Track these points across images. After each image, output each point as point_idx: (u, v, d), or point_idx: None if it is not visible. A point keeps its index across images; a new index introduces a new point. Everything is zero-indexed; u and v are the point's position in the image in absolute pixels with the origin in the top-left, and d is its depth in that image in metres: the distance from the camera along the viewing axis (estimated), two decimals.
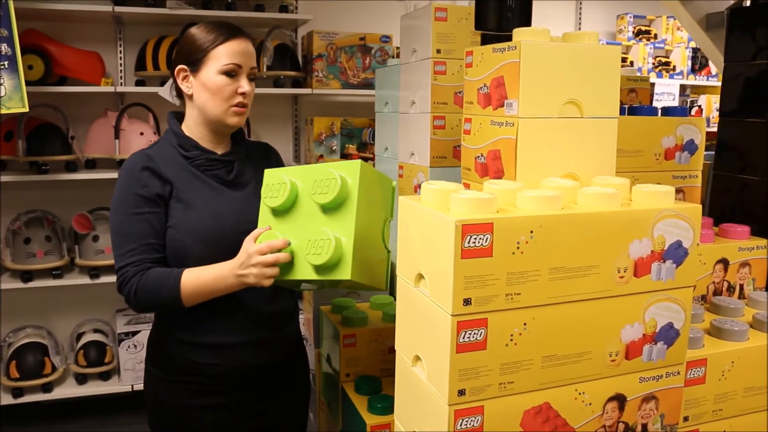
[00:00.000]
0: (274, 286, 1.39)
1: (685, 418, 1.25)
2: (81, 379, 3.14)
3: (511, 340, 1.01)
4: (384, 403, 1.58)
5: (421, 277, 1.07)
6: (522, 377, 1.03)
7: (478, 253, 0.96)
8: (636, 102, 2.19)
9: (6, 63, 2.40)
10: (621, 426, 1.12)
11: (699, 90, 4.21)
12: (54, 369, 3.08)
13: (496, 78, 1.29)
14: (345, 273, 1.30)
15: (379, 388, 1.68)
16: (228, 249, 1.41)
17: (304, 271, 1.35)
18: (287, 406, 1.66)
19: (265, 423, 1.60)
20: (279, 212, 1.40)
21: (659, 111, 1.71)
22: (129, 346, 3.09)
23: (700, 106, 4.08)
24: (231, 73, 1.46)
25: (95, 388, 3.13)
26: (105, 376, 3.16)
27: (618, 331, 1.09)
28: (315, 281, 1.36)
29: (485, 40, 1.42)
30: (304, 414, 1.75)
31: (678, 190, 1.69)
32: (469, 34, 1.72)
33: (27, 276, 2.98)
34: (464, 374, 0.99)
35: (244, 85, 1.47)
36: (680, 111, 1.73)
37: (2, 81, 2.40)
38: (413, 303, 1.10)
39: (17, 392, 3.02)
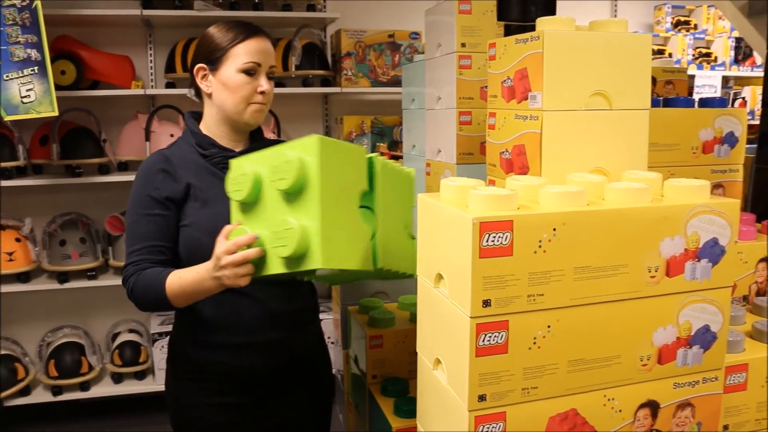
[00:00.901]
0: (291, 285, 1.36)
1: (725, 427, 1.19)
2: (117, 378, 3.18)
3: (534, 343, 0.96)
4: (410, 406, 1.54)
5: (440, 277, 1.03)
6: (546, 382, 0.98)
7: (497, 252, 0.91)
8: (673, 94, 2.11)
9: (36, 68, 2.44)
10: None
11: (743, 81, 4.05)
12: (91, 368, 3.13)
13: (519, 70, 1.24)
14: (315, 261, 1.17)
15: (406, 390, 1.64)
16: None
17: (275, 266, 1.24)
18: (304, 406, 1.63)
19: (282, 423, 1.58)
20: (247, 206, 1.30)
21: (696, 102, 1.63)
22: (162, 346, 3.12)
23: (744, 99, 3.93)
24: (250, 72, 1.45)
25: (131, 387, 3.17)
26: (140, 376, 3.20)
27: (650, 334, 1.04)
28: (291, 274, 1.25)
29: (508, 32, 1.37)
30: (324, 415, 1.73)
31: (717, 186, 1.61)
32: (494, 26, 1.67)
33: (63, 277, 3.03)
34: (485, 379, 0.94)
35: (264, 83, 1.47)
36: (719, 102, 1.65)
37: (33, 86, 2.44)
38: (433, 304, 1.06)
39: (56, 390, 3.08)
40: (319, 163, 1.18)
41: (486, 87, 1.68)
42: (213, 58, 1.47)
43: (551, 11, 1.35)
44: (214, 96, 1.49)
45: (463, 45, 1.65)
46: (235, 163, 1.32)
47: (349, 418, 2.01)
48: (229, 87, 1.45)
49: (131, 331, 3.28)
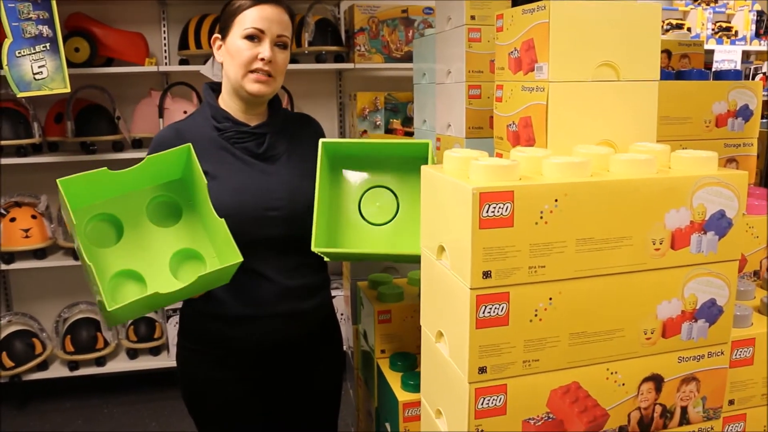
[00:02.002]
0: (300, 259, 1.37)
1: (731, 402, 1.18)
2: (132, 353, 3.22)
3: (536, 315, 0.95)
4: (416, 380, 1.54)
5: (442, 249, 1.03)
6: (548, 355, 0.97)
7: (497, 223, 0.91)
8: (688, 68, 2.07)
9: (48, 45, 2.45)
10: (658, 408, 1.06)
11: (763, 56, 3.96)
12: (106, 344, 3.17)
13: (526, 41, 1.22)
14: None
15: (414, 365, 1.64)
16: (251, 224, 1.40)
17: None
18: (315, 380, 1.64)
19: (293, 396, 1.60)
20: None
21: (711, 75, 1.60)
22: (176, 323, 3.14)
23: (765, 73, 3.84)
24: (252, 38, 1.43)
25: (145, 363, 3.21)
26: (155, 351, 3.24)
27: (653, 308, 1.02)
28: None
29: (516, 2, 1.35)
30: (335, 390, 1.73)
31: (731, 160, 1.59)
32: None
33: (78, 254, 3.06)
34: (485, 351, 0.94)
35: (266, 50, 1.43)
36: (733, 74, 1.62)
37: (45, 62, 2.45)
38: (435, 276, 1.06)
39: (73, 365, 3.13)
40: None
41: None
42: (224, 26, 1.47)
43: None
44: (224, 65, 1.48)
45: (473, 18, 1.63)
46: None
47: (359, 393, 2.03)
48: (231, 54, 1.45)
49: None
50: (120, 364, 3.20)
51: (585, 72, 1.17)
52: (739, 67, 3.77)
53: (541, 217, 0.93)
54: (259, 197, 1.44)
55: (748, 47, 3.80)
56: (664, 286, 1.02)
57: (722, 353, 1.09)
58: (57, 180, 1.25)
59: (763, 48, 3.80)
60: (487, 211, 0.90)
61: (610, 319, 1.00)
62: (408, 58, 3.28)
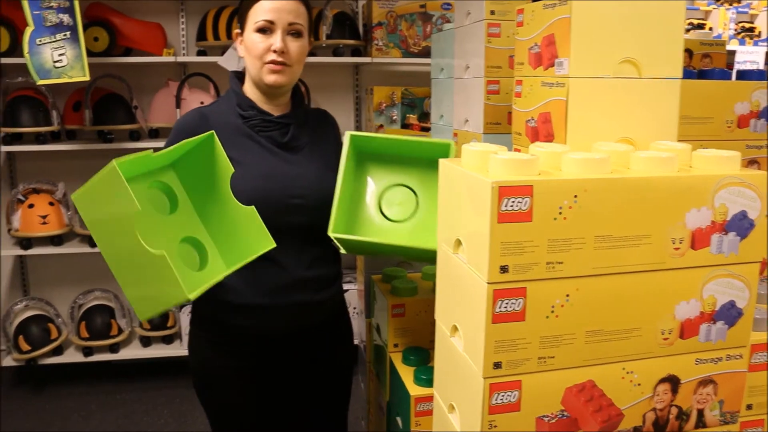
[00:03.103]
0: (314, 251, 1.37)
1: (748, 406, 1.17)
2: (145, 341, 3.25)
3: (552, 311, 0.95)
4: (429, 375, 1.54)
5: (459, 243, 1.02)
6: (564, 352, 0.97)
7: (516, 218, 0.90)
8: (710, 68, 2.05)
9: (68, 33, 2.46)
10: (674, 410, 1.05)
11: None
12: (120, 331, 3.19)
13: (546, 36, 1.21)
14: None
15: (427, 360, 1.64)
16: (274, 211, 1.40)
17: None
18: (325, 372, 1.64)
19: (303, 387, 1.60)
20: None
21: (733, 75, 1.58)
22: (189, 312, 3.16)
23: None
24: (264, 30, 1.44)
25: (158, 351, 3.24)
26: (168, 340, 3.26)
27: (672, 308, 1.01)
28: None
29: None
30: (346, 381, 1.74)
31: (752, 161, 1.57)
32: None
33: (94, 241, 3.08)
34: (500, 346, 0.94)
35: (277, 41, 1.43)
36: (757, 75, 1.59)
37: (65, 51, 2.47)
38: (452, 270, 1.06)
39: (87, 351, 3.16)
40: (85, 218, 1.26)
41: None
42: (241, 20, 1.49)
43: None
44: (245, 59, 1.50)
45: (492, 12, 1.61)
46: None
47: (370, 387, 2.03)
48: (248, 48, 1.47)
49: None
50: (133, 352, 3.23)
51: (606, 68, 1.16)
52: (762, 68, 3.72)
53: (560, 213, 0.92)
54: (284, 185, 1.45)
55: None
56: (682, 286, 1.01)
57: (741, 356, 1.07)
58: (115, 162, 1.11)
59: None
60: (505, 205, 0.89)
61: (627, 317, 0.99)
62: (425, 53, 3.27)
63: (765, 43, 3.72)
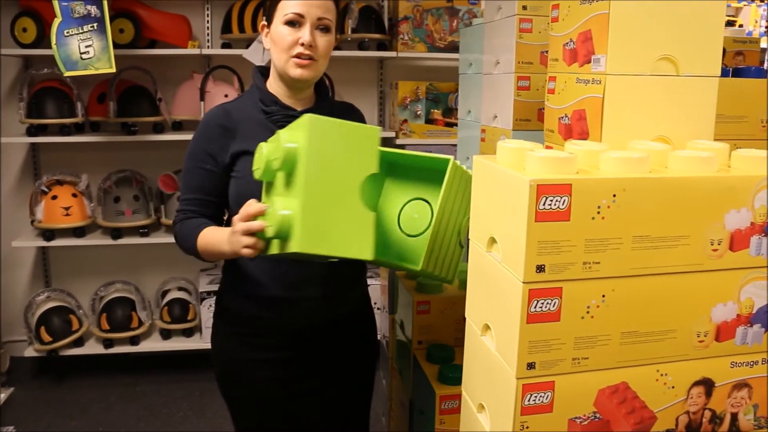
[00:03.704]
0: None
1: None
2: (165, 334, 3.26)
3: (588, 312, 0.93)
4: (455, 373, 1.53)
5: (493, 241, 1.01)
6: (598, 353, 0.95)
7: (554, 217, 0.89)
8: (745, 66, 2.01)
9: (95, 25, 2.47)
10: (707, 413, 1.03)
11: None
12: (140, 323, 3.21)
13: (583, 32, 1.19)
14: (294, 245, 1.16)
15: (452, 358, 1.63)
16: None
17: (273, 246, 1.24)
18: (348, 367, 1.64)
19: (325, 381, 1.60)
20: (268, 184, 1.30)
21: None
22: (210, 305, 3.18)
23: None
24: (293, 23, 1.44)
25: (178, 344, 3.25)
26: (188, 333, 3.28)
27: (708, 310, 1.00)
28: (285, 255, 1.22)
29: None
30: (368, 377, 1.73)
31: None
32: None
33: (116, 233, 3.11)
34: (535, 346, 0.92)
35: (305, 34, 1.43)
36: None
37: (92, 42, 2.48)
38: (485, 268, 1.04)
39: (108, 343, 3.18)
40: (309, 144, 1.17)
41: (546, 51, 1.62)
42: (269, 13, 1.49)
43: None
44: (271, 52, 1.50)
45: (524, 8, 1.60)
46: (261, 143, 1.32)
47: (392, 384, 2.02)
48: (274, 40, 1.47)
49: (180, 289, 3.35)
50: (153, 344, 3.24)
51: (643, 65, 1.14)
52: None
53: (598, 212, 0.90)
54: None
55: None
56: (720, 288, 1.00)
57: None
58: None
59: None
60: (543, 204, 0.88)
61: (662, 319, 0.98)
62: (451, 48, 3.25)
63: None
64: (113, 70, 2.55)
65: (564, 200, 0.88)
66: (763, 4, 3.65)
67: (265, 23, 1.52)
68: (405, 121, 3.25)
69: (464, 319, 1.70)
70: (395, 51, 3.22)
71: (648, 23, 1.13)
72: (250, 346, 1.55)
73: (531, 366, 0.93)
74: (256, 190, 1.45)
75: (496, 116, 1.76)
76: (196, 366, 3.26)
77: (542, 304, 0.91)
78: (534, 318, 0.91)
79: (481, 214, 1.06)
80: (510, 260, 0.94)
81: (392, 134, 3.31)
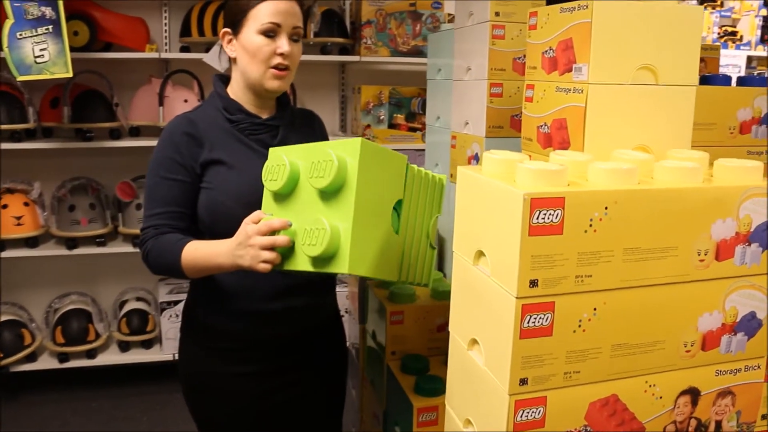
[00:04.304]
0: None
1: (764, 416, 1.16)
2: (123, 346, 3.16)
3: (579, 326, 0.92)
4: (432, 385, 1.51)
5: (481, 254, 0.99)
6: (589, 367, 0.95)
7: (547, 231, 0.87)
8: (704, 72, 2.05)
9: (50, 27, 2.36)
10: (693, 422, 1.03)
11: (765, 62, 3.96)
12: (98, 336, 3.10)
13: (563, 41, 1.18)
14: (342, 266, 1.17)
15: (427, 368, 1.61)
16: None
17: (301, 262, 1.23)
18: (321, 376, 1.61)
19: (299, 392, 1.57)
20: (280, 197, 1.29)
21: (733, 81, 1.58)
22: (171, 315, 3.09)
23: None
24: (269, 33, 1.40)
25: (137, 356, 3.15)
26: (147, 345, 3.18)
27: (695, 320, 1.00)
28: (315, 273, 1.23)
29: (551, 0, 1.31)
30: (341, 386, 1.71)
31: None
32: None
33: (71, 243, 3.00)
34: (527, 362, 0.91)
35: (283, 45, 1.40)
36: (758, 81, 1.59)
37: (46, 45, 2.37)
38: (471, 282, 1.02)
39: (63, 357, 3.06)
40: (359, 166, 1.16)
41: (520, 58, 1.62)
42: (235, 20, 1.44)
43: None
44: (238, 61, 1.46)
45: (497, 14, 1.59)
46: (273, 152, 1.30)
47: (364, 394, 1.99)
48: (248, 50, 1.42)
49: (139, 299, 3.25)
50: (111, 357, 3.13)
51: (624, 75, 1.14)
52: (743, 72, 3.77)
53: (591, 225, 0.89)
54: None
55: (752, 52, 3.79)
56: (706, 298, 1.00)
57: (759, 367, 1.07)
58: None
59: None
60: (537, 218, 0.86)
61: (651, 330, 0.97)
62: (415, 52, 3.23)
63: (747, 48, 3.77)
64: (70, 74, 2.45)
65: (557, 213, 0.87)
66: (714, 11, 3.75)
67: (229, 30, 1.46)
68: (368, 126, 3.22)
69: (438, 328, 1.70)
70: (358, 55, 3.19)
71: (629, 32, 1.13)
72: (221, 361, 1.50)
73: (523, 382, 0.92)
74: (229, 200, 1.41)
75: (467, 123, 1.75)
76: (157, 378, 3.16)
77: (535, 319, 0.90)
78: (527, 333, 0.90)
79: (467, 226, 1.04)
80: (501, 274, 0.92)
81: None
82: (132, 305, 3.19)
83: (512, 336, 0.89)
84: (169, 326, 3.09)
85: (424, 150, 3.31)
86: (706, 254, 0.98)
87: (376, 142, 1.24)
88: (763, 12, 3.59)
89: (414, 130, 3.25)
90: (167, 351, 3.10)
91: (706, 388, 1.03)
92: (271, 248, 1.23)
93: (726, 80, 1.58)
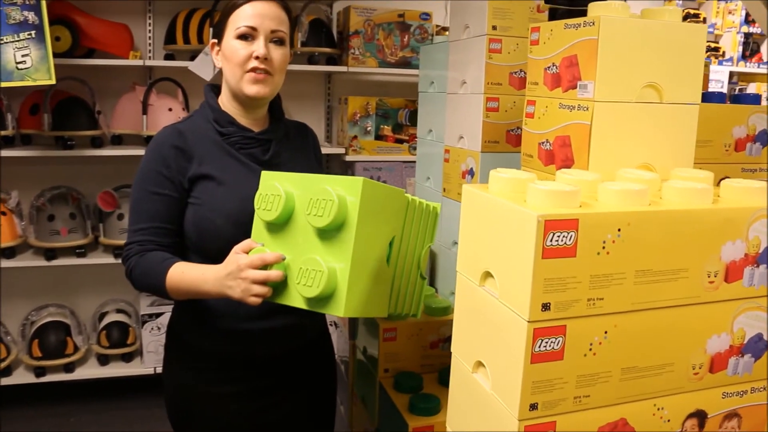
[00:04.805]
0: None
1: None
2: (103, 360, 3.08)
3: (590, 349, 0.90)
4: (427, 404, 1.48)
5: (488, 275, 0.97)
6: (599, 391, 0.92)
7: (560, 253, 0.85)
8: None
9: (33, 32, 2.30)
10: None
11: (748, 78, 4.02)
12: (76, 349, 3.02)
13: (567, 57, 1.17)
14: (337, 309, 1.14)
15: (420, 386, 1.59)
16: None
17: (293, 299, 1.20)
18: (310, 394, 1.57)
19: (287, 411, 1.53)
20: (273, 227, 1.24)
21: (728, 98, 1.59)
22: (152, 328, 3.02)
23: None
24: (245, 36, 1.37)
25: (117, 370, 3.06)
26: (127, 358, 3.10)
27: (704, 342, 0.99)
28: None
29: (554, 16, 1.30)
30: (330, 403, 1.67)
31: None
32: (527, 10, 1.59)
33: (50, 254, 2.92)
34: (538, 387, 0.88)
35: (259, 47, 1.36)
36: (752, 99, 1.60)
37: (29, 51, 2.30)
38: (477, 303, 1.00)
39: (39, 371, 2.97)
40: (360, 207, 1.13)
41: (516, 72, 1.61)
42: (218, 28, 1.42)
43: None
44: (223, 70, 1.43)
45: (494, 28, 1.57)
46: (266, 178, 1.25)
47: (353, 411, 1.95)
48: (226, 56, 1.39)
49: (119, 311, 3.17)
50: (90, 371, 3.04)
51: (630, 92, 1.13)
52: (725, 88, 3.82)
53: (603, 247, 0.87)
54: None
55: (734, 68, 3.85)
56: (715, 320, 0.99)
57: (764, 389, 1.05)
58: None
59: (749, 70, 3.85)
60: (550, 240, 0.84)
61: (661, 353, 0.96)
62: (402, 63, 3.21)
63: (729, 63, 3.82)
64: (53, 81, 2.38)
65: (571, 236, 0.85)
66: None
67: (215, 41, 1.44)
68: (355, 137, 3.19)
69: (431, 345, 1.67)
70: (346, 65, 3.17)
71: (635, 50, 1.12)
72: (208, 380, 1.46)
73: (534, 407, 0.89)
74: (218, 218, 1.37)
75: (462, 137, 1.73)
76: (137, 393, 3.09)
77: (546, 343, 0.87)
78: (538, 358, 0.87)
79: (472, 246, 1.02)
80: (511, 297, 0.90)
81: (341, 150, 3.25)
82: (112, 317, 3.11)
83: (523, 360, 0.87)
84: (150, 339, 3.02)
85: (410, 162, 3.33)
86: (715, 276, 0.96)
87: (367, 167, 1.24)
88: (745, 29, 3.65)
89: (401, 141, 3.23)
90: (148, 364, 3.03)
91: (713, 410, 1.02)
92: (263, 282, 1.20)
93: (721, 97, 1.59)
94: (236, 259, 1.23)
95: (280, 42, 1.41)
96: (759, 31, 3.75)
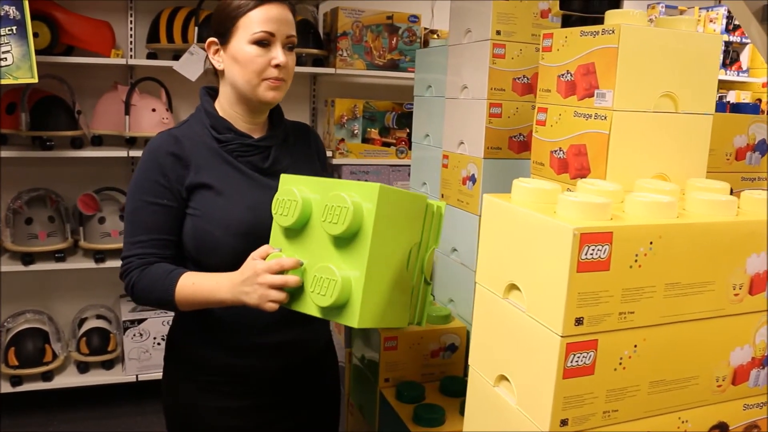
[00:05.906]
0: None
1: None
2: (83, 367, 2.99)
3: (620, 363, 0.89)
4: (431, 414, 1.46)
5: (512, 287, 0.95)
6: (627, 405, 0.91)
7: (595, 267, 0.83)
8: None
9: (14, 28, 2.21)
10: None
11: (727, 86, 4.07)
12: (55, 356, 2.93)
13: (584, 65, 1.16)
14: (351, 319, 1.12)
15: (423, 396, 1.56)
16: (261, 244, 1.28)
17: (309, 306, 1.18)
18: (316, 408, 1.54)
19: (293, 426, 1.49)
20: (291, 232, 1.22)
21: (728, 108, 1.60)
22: (134, 335, 2.95)
23: (728, 103, 3.95)
24: (263, 42, 1.31)
25: (97, 378, 2.98)
26: (108, 365, 3.02)
27: (727, 354, 0.98)
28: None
29: (567, 23, 1.29)
30: (335, 417, 1.63)
31: None
32: (531, 15, 1.58)
33: (28, 258, 2.83)
34: (569, 402, 0.87)
35: (279, 55, 1.32)
36: (752, 108, 1.61)
37: (10, 48, 2.22)
38: (500, 316, 0.98)
39: (16, 380, 2.87)
40: (376, 214, 1.11)
41: (519, 78, 1.59)
42: (223, 29, 1.34)
43: (617, 5, 1.27)
44: (226, 72, 1.36)
45: (498, 32, 1.56)
46: (285, 182, 1.23)
47: (350, 420, 1.92)
48: (239, 61, 1.32)
49: (100, 317, 3.09)
50: (69, 379, 2.96)
51: (648, 102, 1.12)
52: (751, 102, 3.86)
53: (636, 261, 0.86)
54: (269, 215, 1.31)
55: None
56: (738, 332, 0.99)
57: None
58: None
59: (729, 78, 3.90)
60: (585, 254, 0.82)
61: (687, 366, 0.95)
62: (390, 66, 3.19)
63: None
64: (35, 80, 2.29)
65: (605, 249, 0.83)
66: None
67: (215, 40, 1.37)
68: (342, 140, 3.16)
69: (432, 354, 1.65)
70: (333, 67, 3.13)
71: (653, 60, 1.11)
72: (210, 395, 1.41)
73: (564, 423, 0.88)
74: (217, 230, 1.32)
75: (462, 142, 1.71)
76: (119, 401, 3.01)
77: (578, 357, 0.86)
78: (570, 373, 0.86)
79: (494, 257, 1.00)
80: (541, 311, 0.88)
81: (328, 154, 3.21)
82: (92, 323, 3.02)
83: (555, 376, 0.85)
84: (132, 346, 2.95)
85: (398, 166, 3.30)
86: (740, 288, 0.96)
87: (390, 187, 1.17)
88: (725, 37, 3.70)
89: (388, 145, 3.21)
90: (130, 372, 2.95)
91: (734, 422, 1.02)
92: (280, 288, 1.17)
93: (722, 107, 1.59)
94: (253, 265, 1.20)
95: (292, 47, 1.37)
96: (739, 39, 3.80)
